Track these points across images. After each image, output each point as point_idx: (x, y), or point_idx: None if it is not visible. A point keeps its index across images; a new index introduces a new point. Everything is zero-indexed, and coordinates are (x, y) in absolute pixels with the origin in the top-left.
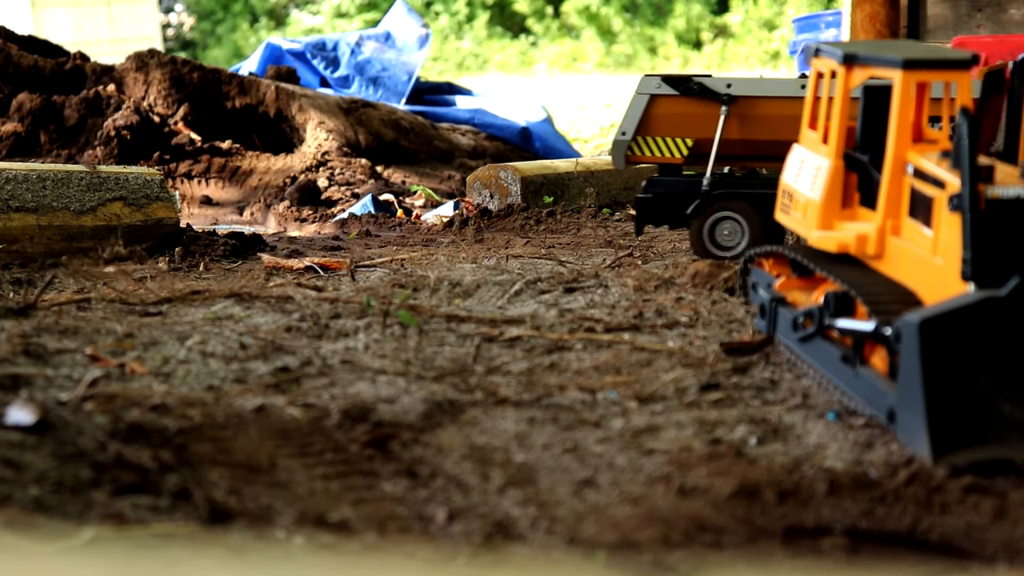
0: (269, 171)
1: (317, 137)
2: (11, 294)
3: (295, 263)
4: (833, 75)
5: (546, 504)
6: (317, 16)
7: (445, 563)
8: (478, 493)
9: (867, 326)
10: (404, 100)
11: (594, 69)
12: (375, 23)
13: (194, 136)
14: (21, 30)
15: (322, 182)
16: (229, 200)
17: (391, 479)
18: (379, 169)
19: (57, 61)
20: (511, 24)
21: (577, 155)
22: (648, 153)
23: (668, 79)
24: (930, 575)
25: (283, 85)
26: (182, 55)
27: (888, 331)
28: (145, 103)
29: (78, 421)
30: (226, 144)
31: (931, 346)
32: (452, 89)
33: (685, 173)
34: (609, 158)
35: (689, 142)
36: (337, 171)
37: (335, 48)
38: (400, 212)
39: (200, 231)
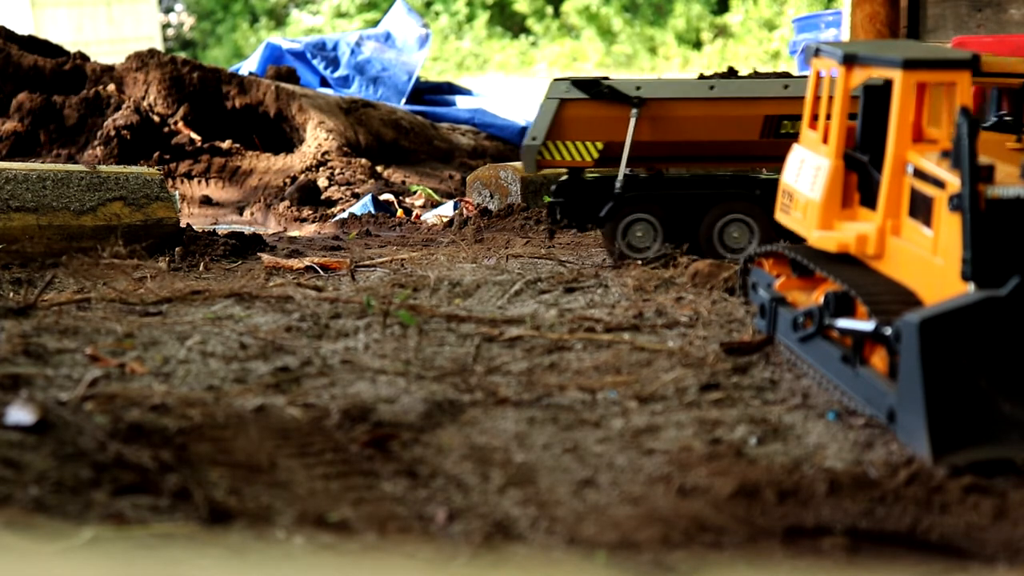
0: (269, 171)
1: (317, 137)
2: (11, 294)
3: (295, 263)
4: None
5: (546, 504)
6: (317, 16)
7: (445, 563)
8: (478, 493)
9: (867, 326)
10: (404, 100)
11: (594, 69)
12: (375, 23)
13: (194, 136)
14: (21, 30)
15: (322, 182)
16: (229, 200)
17: (391, 479)
18: (379, 169)
19: (57, 61)
20: (511, 24)
21: None
22: (559, 157)
23: (577, 83)
24: (930, 575)
25: (283, 85)
26: (182, 55)
27: (888, 331)
28: (145, 103)
29: (78, 421)
30: (226, 144)
31: (931, 346)
32: (452, 89)
33: (589, 176)
34: None
35: (600, 145)
36: (337, 171)
37: (335, 48)
38: (400, 212)
39: (200, 231)
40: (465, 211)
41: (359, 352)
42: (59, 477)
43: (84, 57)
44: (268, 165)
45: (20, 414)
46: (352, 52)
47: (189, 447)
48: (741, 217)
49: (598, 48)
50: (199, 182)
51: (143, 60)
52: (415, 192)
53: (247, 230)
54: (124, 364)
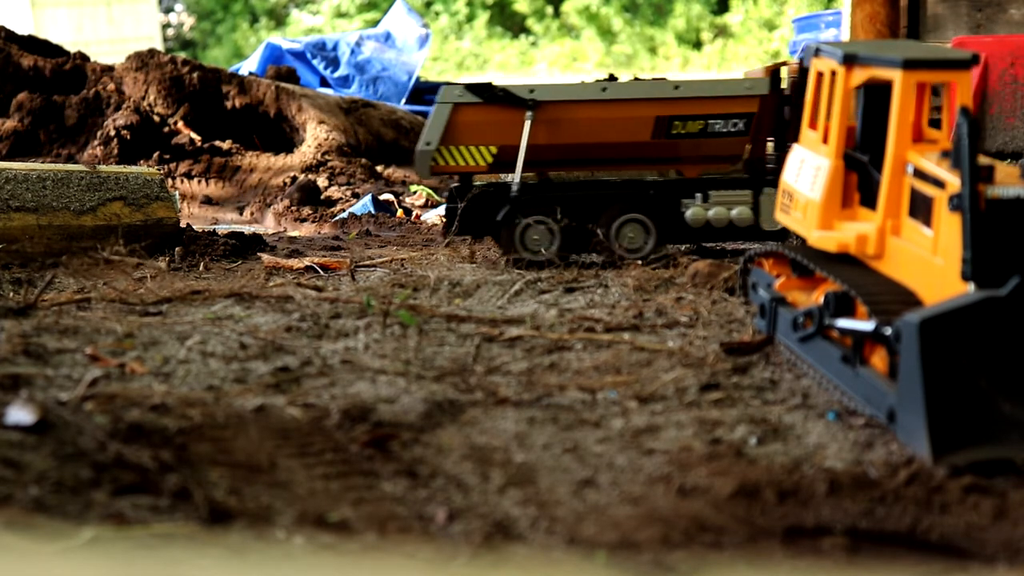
0: (269, 171)
1: (317, 137)
2: (11, 294)
3: (295, 263)
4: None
5: (546, 504)
6: (317, 16)
7: (445, 563)
8: (478, 493)
9: (867, 326)
10: (404, 100)
11: (594, 69)
12: (375, 23)
13: (194, 136)
14: (21, 30)
15: (322, 182)
16: (229, 200)
17: (391, 479)
18: (379, 169)
19: (57, 61)
20: (511, 24)
21: None
22: (453, 163)
23: (471, 87)
24: (930, 575)
25: (283, 85)
26: (182, 55)
27: (888, 331)
28: (145, 103)
29: (78, 421)
30: (226, 144)
31: (931, 346)
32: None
33: (477, 183)
34: None
35: (494, 149)
36: (337, 171)
37: (335, 48)
38: (400, 212)
39: (200, 231)
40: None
41: (359, 352)
42: (59, 477)
43: (84, 57)
44: (268, 165)
45: (20, 414)
46: (352, 52)
47: (189, 447)
48: (637, 217)
49: (598, 48)
50: (199, 182)
51: (143, 60)
52: (415, 192)
53: (247, 230)
54: (124, 364)
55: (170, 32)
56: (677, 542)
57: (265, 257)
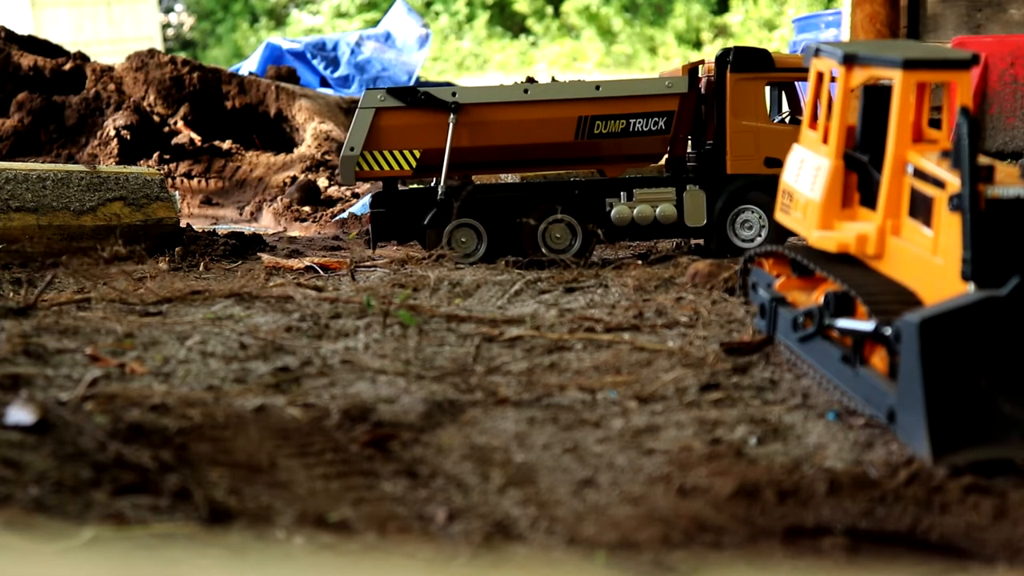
0: (269, 171)
1: (317, 137)
2: (11, 294)
3: (295, 263)
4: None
5: (546, 504)
6: (317, 16)
7: (445, 563)
8: (478, 493)
9: (867, 326)
10: None
11: (594, 69)
12: (375, 23)
13: (194, 136)
14: (21, 30)
15: (322, 182)
16: (229, 200)
17: (391, 479)
18: None
19: (57, 61)
20: (511, 24)
21: None
22: (377, 168)
23: (392, 91)
24: (930, 575)
25: (283, 85)
26: (182, 55)
27: (888, 331)
28: (145, 103)
29: (78, 421)
30: (226, 144)
31: (931, 346)
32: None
33: (404, 188)
34: None
35: (417, 153)
36: (337, 171)
37: (335, 48)
38: None
39: (200, 231)
40: None
41: (359, 352)
42: (59, 477)
43: (84, 57)
44: (268, 165)
45: (20, 414)
46: (352, 52)
47: (189, 447)
48: (563, 218)
49: (598, 48)
50: (199, 182)
51: (143, 60)
52: None
53: (247, 230)
54: (124, 364)
55: (170, 32)
56: (677, 542)
57: (265, 257)
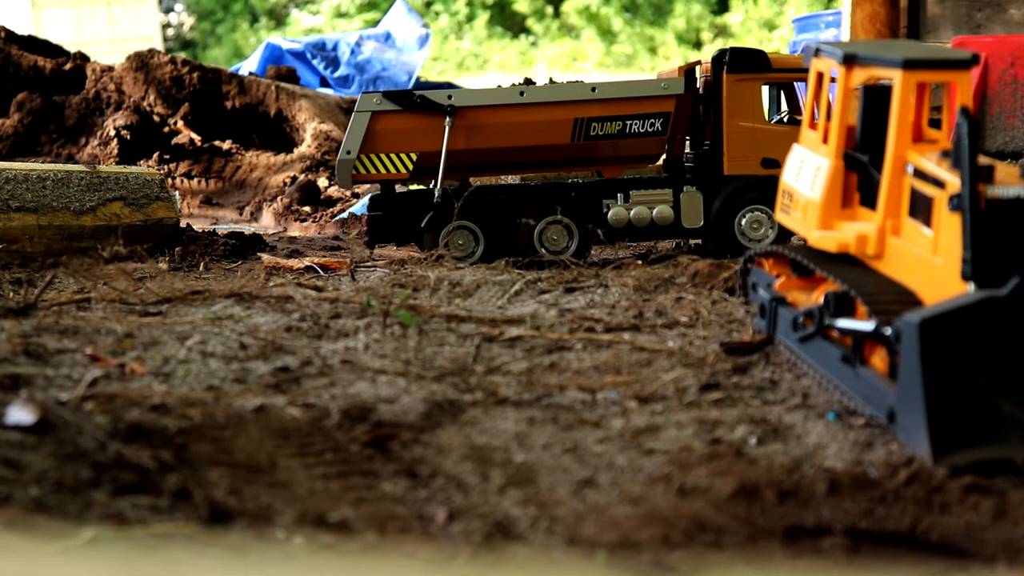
0: (269, 171)
1: (317, 136)
2: (11, 294)
3: (295, 263)
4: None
5: (546, 504)
6: (317, 16)
7: (445, 563)
8: (478, 493)
9: (867, 326)
10: None
11: (594, 69)
12: (375, 23)
13: (194, 136)
14: (21, 30)
15: (322, 182)
16: (229, 200)
17: (391, 479)
18: None
19: (57, 61)
20: (511, 24)
21: None
22: (374, 171)
23: (388, 95)
24: (930, 575)
25: (283, 85)
26: (182, 55)
27: (888, 331)
28: (145, 103)
29: (78, 421)
30: (226, 144)
31: (931, 346)
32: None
33: (401, 190)
34: None
35: (414, 156)
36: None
37: (335, 48)
38: None
39: (200, 231)
40: None
41: (359, 352)
42: (59, 477)
43: (84, 57)
44: (268, 165)
45: (20, 414)
46: (352, 52)
47: (189, 447)
48: (560, 219)
49: (598, 48)
50: (199, 182)
51: (143, 60)
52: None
53: (247, 230)
54: (124, 364)
55: (170, 32)
56: (677, 542)
57: (265, 257)
